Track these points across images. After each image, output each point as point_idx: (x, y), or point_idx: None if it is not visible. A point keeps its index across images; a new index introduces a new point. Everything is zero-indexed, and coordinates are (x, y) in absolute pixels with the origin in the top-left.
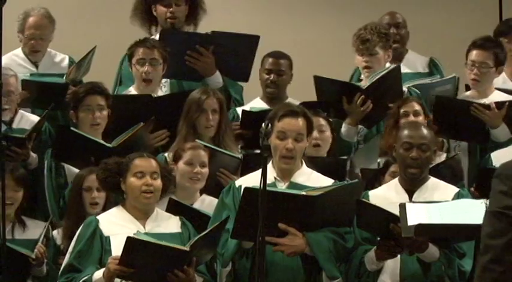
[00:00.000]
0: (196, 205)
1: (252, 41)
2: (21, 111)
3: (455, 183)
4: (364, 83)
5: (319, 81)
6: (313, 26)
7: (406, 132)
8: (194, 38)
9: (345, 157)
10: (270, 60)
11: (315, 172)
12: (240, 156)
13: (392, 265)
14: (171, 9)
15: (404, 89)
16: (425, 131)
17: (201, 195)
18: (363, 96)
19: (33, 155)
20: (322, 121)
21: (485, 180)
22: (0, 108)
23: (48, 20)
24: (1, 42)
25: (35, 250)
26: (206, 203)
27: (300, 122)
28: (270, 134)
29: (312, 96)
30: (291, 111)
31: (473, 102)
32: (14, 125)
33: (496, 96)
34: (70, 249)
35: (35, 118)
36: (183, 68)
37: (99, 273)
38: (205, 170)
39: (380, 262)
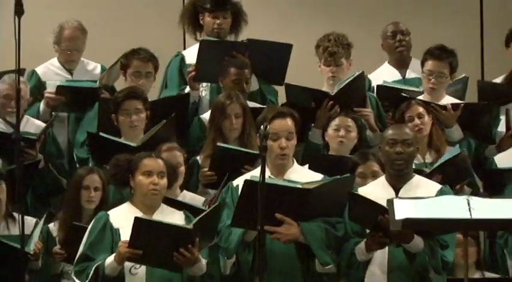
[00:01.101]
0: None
1: (285, 48)
2: (26, 116)
3: (462, 180)
4: (328, 90)
5: (290, 89)
6: (309, 33)
7: (390, 131)
8: (231, 46)
9: (350, 156)
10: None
11: (305, 169)
12: (257, 152)
13: (381, 256)
14: (218, 21)
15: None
16: (407, 129)
17: (181, 191)
18: (331, 101)
19: (40, 155)
20: (350, 122)
21: (492, 181)
22: (18, 113)
23: (81, 32)
24: (19, 50)
25: (33, 247)
26: (187, 198)
27: (289, 121)
28: (268, 135)
29: None
30: (279, 113)
31: (431, 103)
32: (21, 129)
33: (448, 100)
34: (83, 241)
35: (39, 123)
36: (223, 71)
37: (110, 258)
38: (182, 169)
39: (369, 253)
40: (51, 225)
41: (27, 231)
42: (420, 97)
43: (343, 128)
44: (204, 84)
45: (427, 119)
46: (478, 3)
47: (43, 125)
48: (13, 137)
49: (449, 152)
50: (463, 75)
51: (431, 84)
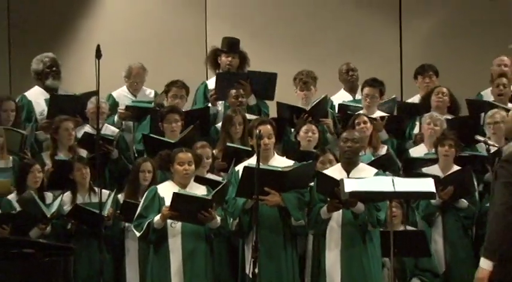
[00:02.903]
0: (210, 177)
1: (273, 76)
2: (106, 124)
3: (391, 167)
4: (303, 107)
5: (279, 105)
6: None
7: (344, 133)
8: (237, 75)
9: (314, 150)
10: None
11: (282, 158)
12: (250, 149)
13: (337, 215)
14: (230, 59)
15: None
16: (356, 132)
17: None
18: (306, 114)
19: (115, 150)
20: (314, 127)
21: (408, 166)
22: (98, 121)
23: (143, 70)
24: (99, 83)
25: (107, 211)
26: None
27: (269, 126)
28: (262, 137)
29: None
30: (262, 121)
31: (369, 118)
32: (102, 132)
33: (378, 114)
34: (140, 205)
35: (113, 128)
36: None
37: (157, 217)
38: (210, 160)
39: (329, 213)
40: (119, 196)
41: (103, 200)
42: (361, 111)
43: (309, 131)
44: (220, 102)
45: (369, 125)
46: (398, 50)
47: (116, 130)
48: (94, 137)
49: (382, 151)
50: (394, 96)
51: (367, 103)
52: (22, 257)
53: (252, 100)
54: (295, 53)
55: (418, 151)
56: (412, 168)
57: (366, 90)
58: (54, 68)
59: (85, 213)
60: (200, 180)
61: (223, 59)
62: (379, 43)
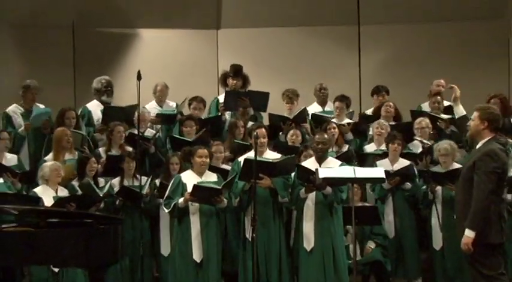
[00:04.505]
0: (224, 167)
1: (266, 94)
2: (148, 127)
3: (349, 162)
4: (289, 115)
5: (271, 115)
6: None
7: (317, 136)
8: (240, 94)
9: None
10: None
11: (273, 152)
12: (249, 144)
13: (312, 195)
14: (235, 81)
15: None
16: (326, 135)
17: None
18: (290, 122)
19: (152, 146)
20: (298, 132)
21: (362, 158)
22: (138, 127)
23: (165, 87)
24: (139, 100)
25: (145, 191)
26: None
27: (263, 130)
28: (258, 137)
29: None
30: (258, 126)
31: (338, 124)
32: (145, 133)
33: (346, 120)
34: (168, 189)
35: (153, 130)
36: (236, 106)
37: (181, 200)
38: (222, 155)
39: (306, 194)
40: (156, 181)
41: (143, 183)
42: (334, 119)
43: (294, 135)
44: (227, 113)
45: (336, 130)
46: (358, 72)
47: (154, 132)
48: (136, 138)
49: (344, 148)
50: (351, 110)
51: (337, 113)
52: (84, 225)
53: (251, 111)
54: (285, 76)
55: (370, 148)
56: (365, 160)
57: (337, 103)
58: (109, 88)
59: (130, 192)
60: (215, 169)
61: (231, 81)
62: (343, 67)
